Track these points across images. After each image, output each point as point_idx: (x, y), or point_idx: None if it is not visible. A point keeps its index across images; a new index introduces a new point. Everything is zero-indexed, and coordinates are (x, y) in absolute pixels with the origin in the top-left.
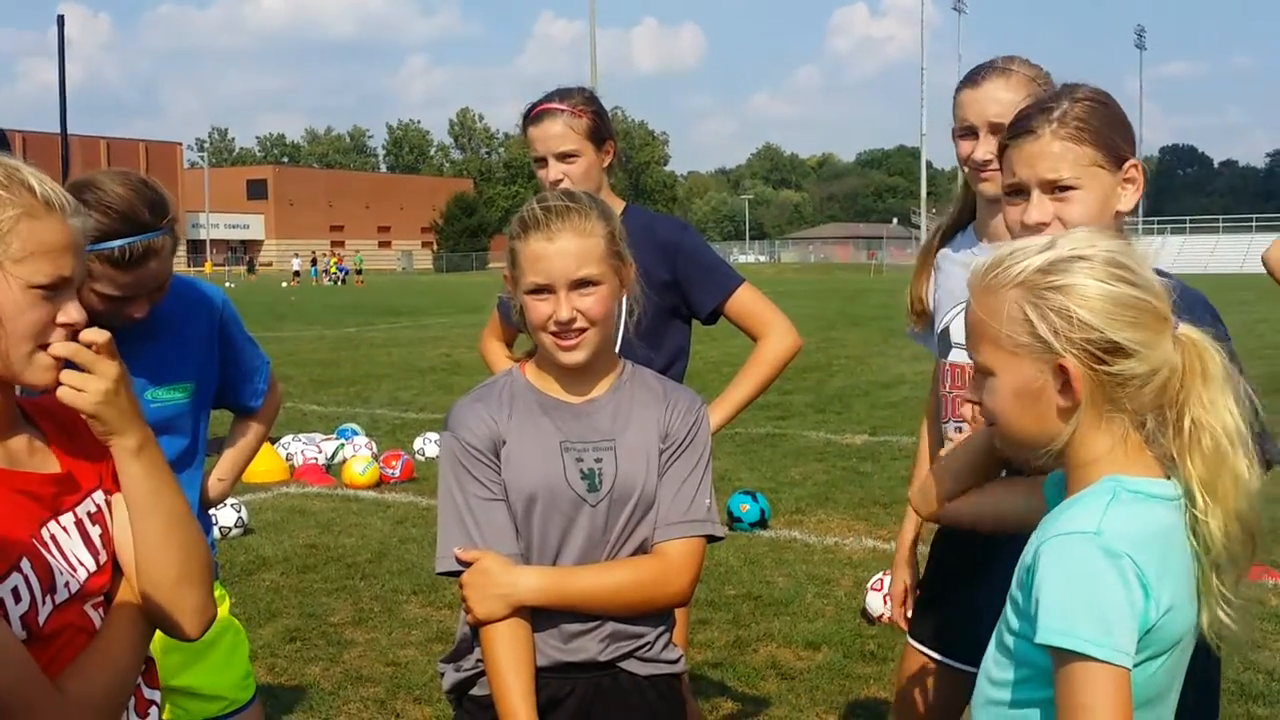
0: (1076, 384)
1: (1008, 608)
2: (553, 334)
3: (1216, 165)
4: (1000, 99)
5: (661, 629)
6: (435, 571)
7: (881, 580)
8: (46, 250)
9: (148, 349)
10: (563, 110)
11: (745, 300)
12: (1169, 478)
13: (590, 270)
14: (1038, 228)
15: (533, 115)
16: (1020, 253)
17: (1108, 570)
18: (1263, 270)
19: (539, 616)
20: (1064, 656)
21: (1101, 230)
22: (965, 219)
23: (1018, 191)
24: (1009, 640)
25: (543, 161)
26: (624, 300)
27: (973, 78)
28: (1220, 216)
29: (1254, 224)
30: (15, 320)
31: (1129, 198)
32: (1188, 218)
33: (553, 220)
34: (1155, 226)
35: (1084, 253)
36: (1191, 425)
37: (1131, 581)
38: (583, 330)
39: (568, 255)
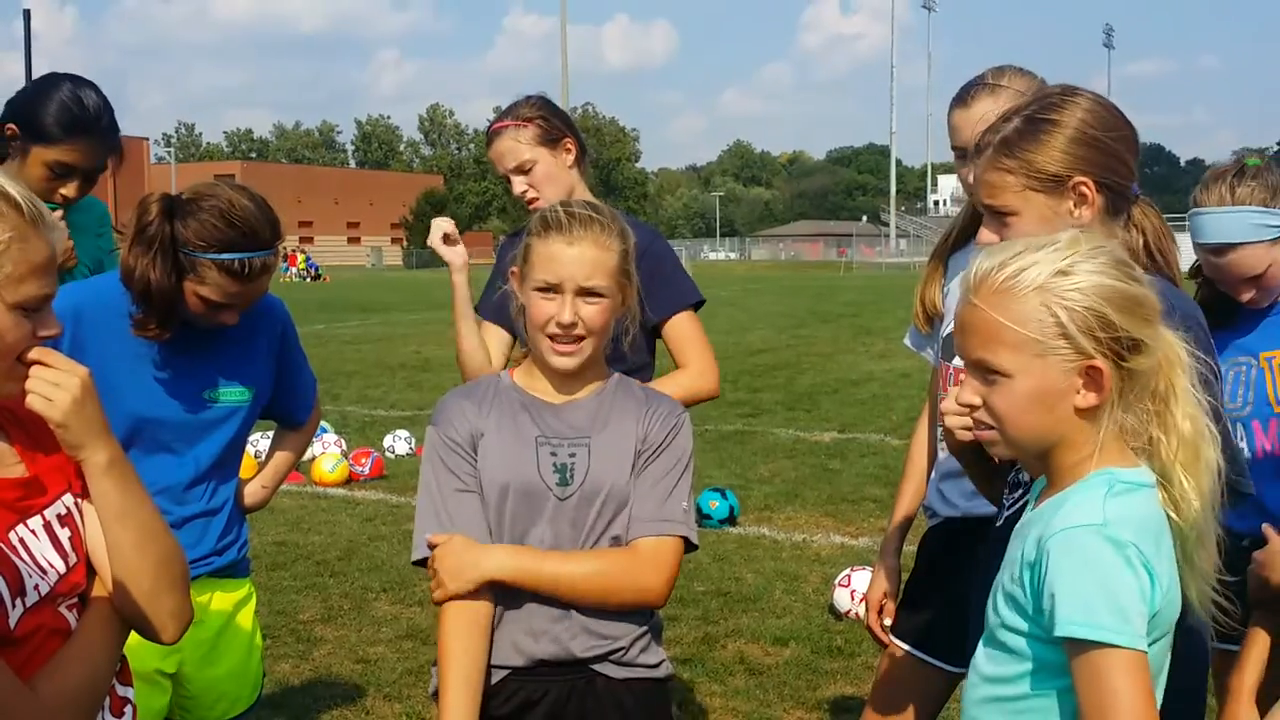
0: (1108, 382)
1: (1001, 605)
2: (551, 336)
3: (1183, 164)
4: (989, 120)
5: (638, 633)
6: (411, 561)
7: (849, 577)
8: (34, 271)
9: (219, 348)
10: (507, 126)
11: (684, 327)
12: (1141, 466)
13: (600, 282)
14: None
15: (489, 137)
16: (1025, 255)
17: (1117, 559)
18: None
19: (509, 610)
20: (1083, 646)
21: (1094, 233)
22: (973, 226)
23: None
24: (1006, 637)
25: (508, 179)
26: (622, 318)
27: (963, 97)
28: (1186, 214)
29: None
30: (2, 339)
31: (1085, 213)
32: None
33: (575, 226)
34: None
35: (1093, 253)
36: (1172, 412)
37: (1139, 569)
38: (580, 338)
39: (582, 262)
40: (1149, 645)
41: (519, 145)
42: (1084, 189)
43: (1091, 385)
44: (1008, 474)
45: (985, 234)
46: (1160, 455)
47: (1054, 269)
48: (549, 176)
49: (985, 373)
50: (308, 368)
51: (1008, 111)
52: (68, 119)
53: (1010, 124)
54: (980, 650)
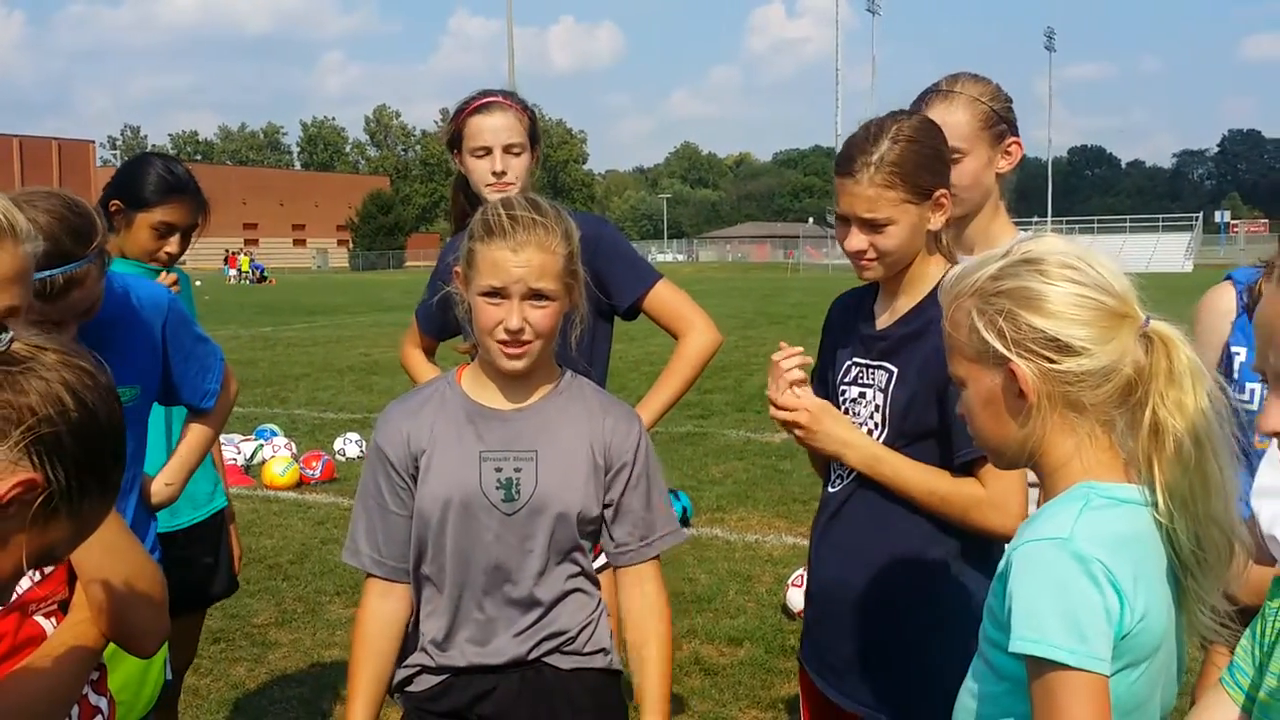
0: (1025, 385)
1: (985, 618)
2: (500, 341)
3: (1124, 166)
4: (944, 124)
5: (584, 625)
6: (343, 560)
7: (802, 576)
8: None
9: (93, 349)
10: (511, 106)
11: (664, 296)
12: (1138, 483)
13: (546, 285)
14: (856, 254)
15: (479, 105)
16: (981, 264)
17: (1078, 574)
18: (1169, 269)
19: (462, 619)
20: (1038, 665)
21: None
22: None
23: (843, 219)
24: (988, 651)
25: (484, 151)
26: (571, 315)
27: (919, 105)
28: (1128, 216)
29: (1160, 223)
30: None
31: (938, 219)
32: (1095, 218)
33: (519, 230)
34: (1064, 226)
35: (1033, 256)
36: (1155, 426)
37: (1104, 585)
38: (529, 341)
39: (528, 267)
40: (1122, 670)
41: (518, 127)
42: (943, 199)
43: (1018, 389)
44: None
45: (855, 240)
46: (1145, 474)
47: (989, 274)
48: (526, 170)
49: (956, 384)
50: (207, 351)
51: (871, 132)
52: (164, 184)
53: (896, 145)
54: (973, 662)
